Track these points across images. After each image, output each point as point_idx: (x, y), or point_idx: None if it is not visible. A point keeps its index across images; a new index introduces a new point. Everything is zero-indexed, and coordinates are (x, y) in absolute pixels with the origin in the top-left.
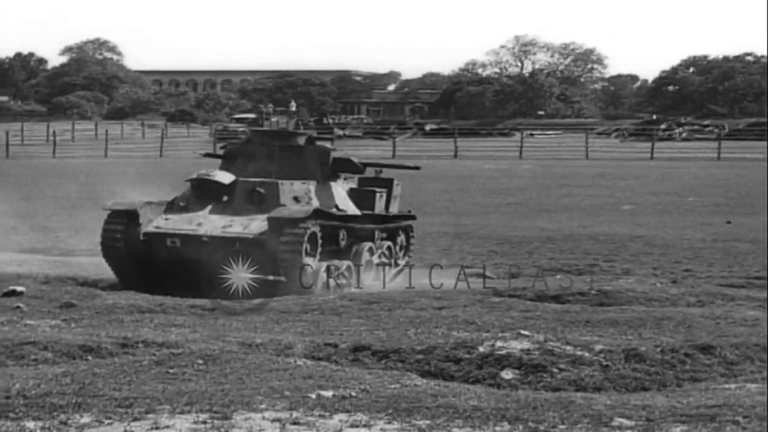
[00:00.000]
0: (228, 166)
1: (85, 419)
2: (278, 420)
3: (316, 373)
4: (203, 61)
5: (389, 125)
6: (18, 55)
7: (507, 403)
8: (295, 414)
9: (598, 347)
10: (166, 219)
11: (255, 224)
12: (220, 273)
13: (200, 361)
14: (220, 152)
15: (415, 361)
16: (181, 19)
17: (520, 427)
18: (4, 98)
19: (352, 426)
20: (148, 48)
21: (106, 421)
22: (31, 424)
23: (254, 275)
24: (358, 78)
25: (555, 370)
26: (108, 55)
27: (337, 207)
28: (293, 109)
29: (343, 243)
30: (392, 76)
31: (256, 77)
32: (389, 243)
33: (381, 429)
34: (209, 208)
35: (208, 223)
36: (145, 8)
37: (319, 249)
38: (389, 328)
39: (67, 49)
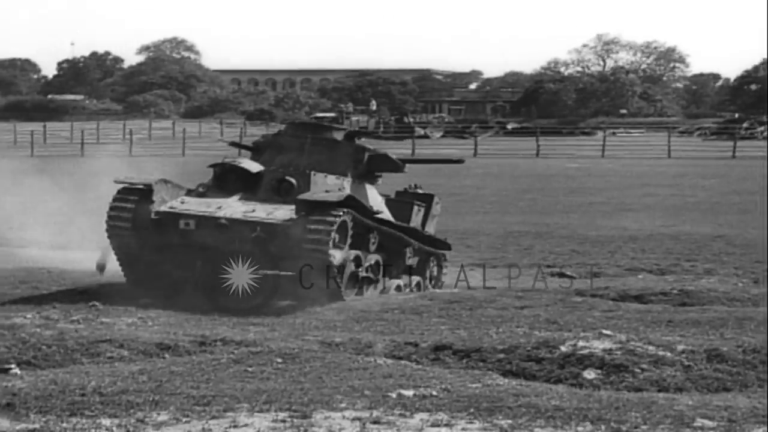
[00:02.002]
0: (257, 158)
1: (163, 417)
2: (358, 419)
3: (396, 372)
4: (283, 59)
5: (471, 124)
6: (94, 54)
7: (589, 403)
8: (375, 413)
9: (680, 347)
10: (183, 202)
11: (280, 212)
12: (236, 262)
13: (279, 360)
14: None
15: (497, 361)
16: (260, 18)
17: (603, 427)
18: (80, 97)
19: (433, 425)
20: (227, 47)
21: (184, 419)
22: (107, 422)
23: (255, 274)
24: (439, 77)
25: (637, 370)
26: (185, 54)
27: (371, 208)
28: (373, 108)
29: (373, 246)
30: (474, 74)
31: (336, 76)
32: (419, 278)
33: (462, 428)
34: (233, 198)
35: (229, 207)
36: (222, 7)
37: (349, 241)
38: (470, 327)
39: (144, 48)
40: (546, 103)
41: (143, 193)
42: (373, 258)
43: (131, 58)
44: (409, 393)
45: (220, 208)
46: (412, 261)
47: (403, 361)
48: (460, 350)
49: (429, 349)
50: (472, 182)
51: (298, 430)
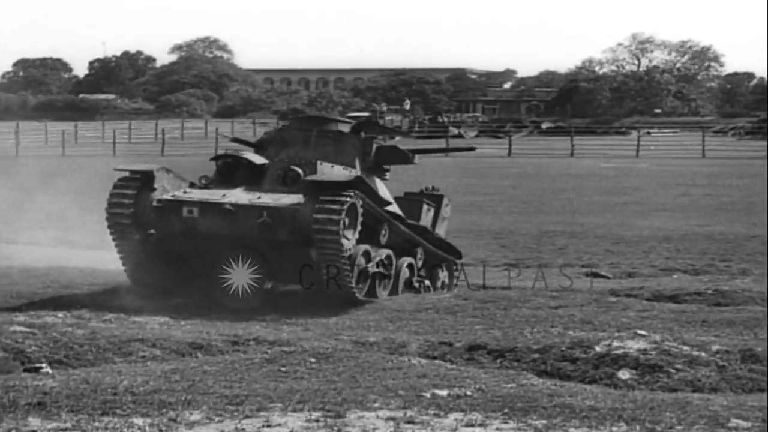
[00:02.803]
0: (260, 153)
1: (195, 416)
2: (392, 419)
3: (430, 372)
4: (316, 59)
5: (505, 123)
6: (125, 53)
7: (624, 403)
8: (409, 413)
9: (714, 347)
10: (185, 192)
11: (287, 199)
12: (241, 252)
13: (313, 360)
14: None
15: (531, 361)
16: (293, 17)
17: (637, 427)
18: (111, 96)
19: (468, 425)
20: (260, 46)
21: (217, 419)
22: (139, 421)
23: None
24: (474, 76)
25: (671, 370)
26: (218, 53)
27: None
28: (407, 107)
29: (383, 239)
30: (508, 73)
31: (370, 75)
32: (427, 282)
33: (496, 428)
34: (238, 189)
35: (234, 195)
36: (255, 6)
37: (358, 228)
38: (505, 327)
39: (176, 48)
40: (580, 103)
41: (144, 181)
42: (384, 252)
43: (163, 57)
44: (443, 393)
45: (224, 195)
46: (421, 261)
47: (437, 361)
48: (494, 350)
49: (463, 348)
50: (506, 182)
51: (332, 430)
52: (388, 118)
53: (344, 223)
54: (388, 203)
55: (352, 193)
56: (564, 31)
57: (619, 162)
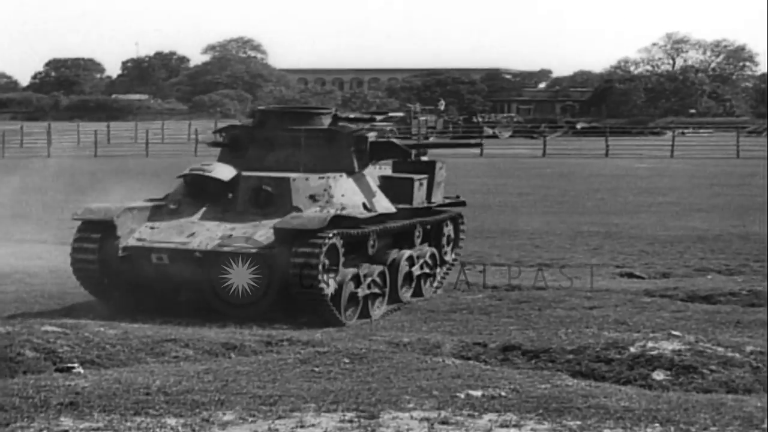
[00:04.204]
0: (231, 156)
1: (228, 416)
2: (426, 419)
3: (465, 373)
4: (350, 59)
5: (540, 124)
6: (159, 53)
7: (658, 404)
8: (443, 413)
9: (748, 348)
10: (152, 228)
11: (260, 233)
12: (219, 293)
13: (347, 360)
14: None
15: (566, 361)
16: (327, 17)
17: (672, 428)
18: (144, 97)
19: (502, 426)
20: (294, 46)
21: (250, 419)
22: (172, 421)
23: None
24: (508, 76)
25: (706, 371)
26: (252, 53)
27: (365, 206)
28: (442, 107)
29: (372, 250)
30: (543, 73)
31: (405, 75)
32: (433, 250)
33: (531, 429)
34: (203, 210)
35: (203, 232)
36: (289, 6)
37: (341, 266)
38: (539, 328)
39: (210, 48)
40: (615, 103)
41: (107, 227)
42: (375, 270)
43: (197, 57)
44: (478, 393)
45: (193, 234)
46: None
47: (471, 362)
48: (529, 351)
49: (498, 349)
50: (541, 182)
51: (365, 431)
52: (422, 118)
53: (324, 266)
54: (372, 211)
55: (330, 234)
56: (599, 31)
57: (654, 162)
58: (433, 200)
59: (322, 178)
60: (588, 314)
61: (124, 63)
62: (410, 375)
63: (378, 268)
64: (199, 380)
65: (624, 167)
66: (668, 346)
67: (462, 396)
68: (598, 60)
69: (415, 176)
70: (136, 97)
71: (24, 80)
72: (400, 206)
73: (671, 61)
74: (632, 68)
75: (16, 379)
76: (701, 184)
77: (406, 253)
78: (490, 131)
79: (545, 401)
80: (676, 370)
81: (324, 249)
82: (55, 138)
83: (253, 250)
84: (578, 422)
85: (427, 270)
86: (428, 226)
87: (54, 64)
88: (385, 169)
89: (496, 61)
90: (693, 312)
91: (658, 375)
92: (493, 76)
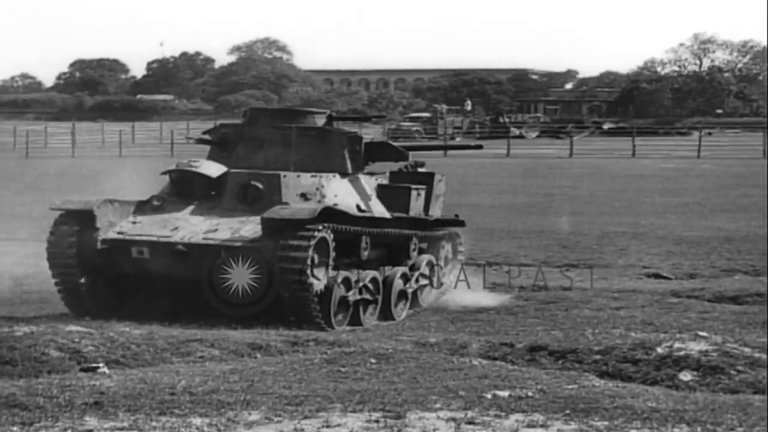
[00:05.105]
0: (219, 155)
1: (254, 416)
2: (453, 419)
3: (491, 373)
4: (376, 60)
5: (566, 124)
6: (184, 54)
7: (685, 404)
8: (470, 414)
9: None
10: (134, 222)
11: (247, 228)
12: (203, 291)
13: (373, 360)
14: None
15: (593, 362)
16: (353, 17)
17: (698, 429)
18: (169, 97)
19: (529, 426)
20: (319, 47)
21: (276, 419)
22: (197, 421)
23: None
24: (535, 76)
25: (733, 372)
26: (277, 54)
27: (359, 208)
28: (468, 108)
29: (365, 254)
30: (570, 74)
31: (431, 76)
32: (430, 257)
33: (558, 429)
34: (191, 208)
35: (188, 226)
36: (315, 7)
37: (331, 263)
38: (566, 328)
39: (235, 49)
40: (642, 103)
41: (85, 218)
42: (368, 276)
43: (222, 58)
44: (505, 394)
45: (176, 229)
46: (421, 246)
47: (498, 362)
48: (555, 351)
49: (524, 349)
50: (568, 182)
51: (392, 431)
52: (448, 118)
53: (313, 261)
54: (365, 211)
55: (319, 227)
56: (626, 31)
57: (680, 162)
58: (430, 213)
59: (315, 176)
60: (615, 315)
61: (149, 63)
62: (437, 375)
63: (371, 274)
64: (225, 380)
65: (651, 167)
66: (695, 347)
67: (489, 396)
68: (624, 60)
69: (413, 186)
70: (161, 97)
71: (48, 81)
72: (396, 215)
73: (698, 62)
74: (659, 69)
75: (41, 379)
76: (728, 185)
77: (400, 270)
78: (516, 131)
79: (572, 402)
80: (703, 370)
81: (313, 242)
82: (80, 138)
83: (238, 244)
84: (605, 423)
85: (423, 282)
86: (425, 242)
87: (78, 65)
88: (382, 180)
89: (523, 61)
90: (720, 313)
91: (685, 375)
92: (520, 76)
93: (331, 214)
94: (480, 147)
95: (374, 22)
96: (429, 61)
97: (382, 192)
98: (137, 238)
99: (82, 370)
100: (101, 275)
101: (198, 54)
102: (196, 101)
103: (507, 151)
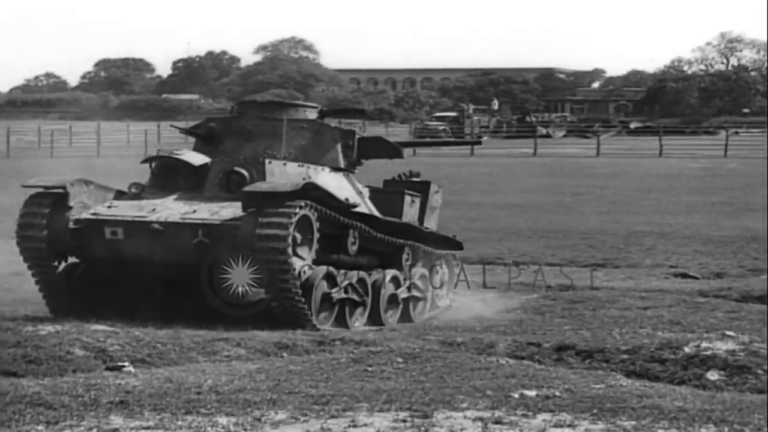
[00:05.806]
0: (206, 148)
1: (280, 416)
2: (480, 419)
3: (519, 372)
4: (403, 59)
5: (593, 123)
6: (210, 53)
7: (712, 404)
8: (497, 413)
9: None
10: (109, 207)
11: (226, 211)
12: (178, 275)
13: (400, 360)
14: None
15: (620, 361)
16: (380, 16)
17: (726, 429)
18: (195, 96)
19: (556, 426)
20: (346, 46)
21: (302, 418)
22: (223, 420)
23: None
24: (562, 75)
25: (760, 371)
26: (303, 53)
27: (347, 200)
28: (495, 107)
29: (353, 248)
30: (596, 73)
31: (458, 75)
32: (424, 271)
33: (585, 429)
34: (172, 197)
35: (165, 210)
36: (342, 6)
37: (315, 245)
38: (593, 328)
39: (261, 48)
40: (669, 103)
41: (58, 198)
42: (354, 275)
43: (248, 57)
44: (532, 393)
45: (154, 210)
46: (408, 263)
47: (525, 362)
48: (583, 351)
49: (552, 349)
50: (594, 182)
51: (419, 430)
52: (475, 118)
53: (295, 240)
54: (354, 204)
55: (302, 203)
56: (652, 30)
57: (707, 162)
58: (425, 224)
59: (302, 166)
60: (642, 314)
61: (174, 63)
62: (464, 374)
63: (357, 273)
64: (251, 379)
65: (677, 167)
66: (722, 347)
67: (516, 396)
68: (651, 60)
69: (408, 192)
70: (187, 96)
71: (73, 80)
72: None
73: (725, 61)
74: (686, 68)
75: (66, 378)
76: (755, 184)
77: (390, 273)
78: (543, 131)
79: (599, 401)
80: (731, 370)
81: (295, 219)
82: (105, 138)
83: (217, 222)
84: (632, 422)
85: (416, 294)
86: (418, 257)
87: (103, 65)
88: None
89: (549, 60)
90: (747, 312)
91: (713, 375)
92: (546, 75)
93: (316, 197)
94: (479, 142)
95: (401, 22)
96: (456, 61)
97: (374, 197)
98: (111, 218)
99: (108, 369)
100: (76, 265)
101: (224, 53)
102: (221, 101)
103: (534, 150)
